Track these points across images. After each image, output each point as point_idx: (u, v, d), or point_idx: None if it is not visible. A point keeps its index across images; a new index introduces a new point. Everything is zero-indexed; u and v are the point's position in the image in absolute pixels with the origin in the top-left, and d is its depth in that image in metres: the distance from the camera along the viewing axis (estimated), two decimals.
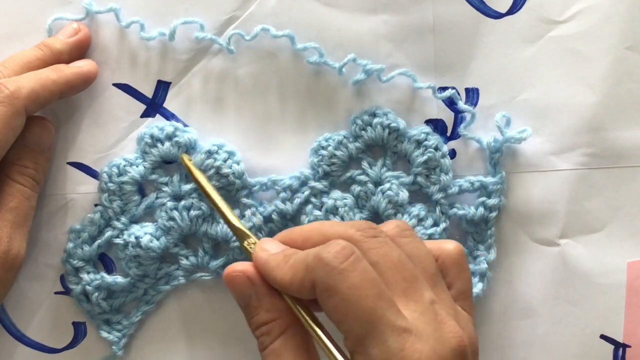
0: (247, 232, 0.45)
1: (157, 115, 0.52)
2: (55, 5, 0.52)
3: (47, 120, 0.50)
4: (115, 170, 0.51)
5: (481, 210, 0.50)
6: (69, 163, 0.52)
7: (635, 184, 0.51)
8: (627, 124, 0.51)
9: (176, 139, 0.51)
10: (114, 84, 0.52)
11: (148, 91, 0.52)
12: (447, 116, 0.52)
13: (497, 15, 0.52)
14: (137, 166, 0.51)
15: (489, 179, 0.51)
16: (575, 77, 0.51)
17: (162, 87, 0.52)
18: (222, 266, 0.51)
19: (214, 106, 0.52)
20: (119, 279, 0.51)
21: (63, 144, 0.52)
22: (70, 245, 0.51)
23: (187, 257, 0.51)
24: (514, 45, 0.52)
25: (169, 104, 0.52)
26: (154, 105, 0.52)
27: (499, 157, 0.50)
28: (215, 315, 0.52)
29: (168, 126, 0.51)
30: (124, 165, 0.51)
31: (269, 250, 0.41)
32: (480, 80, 0.52)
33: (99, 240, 0.51)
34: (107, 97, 0.52)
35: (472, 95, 0.52)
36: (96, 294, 0.51)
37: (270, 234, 0.51)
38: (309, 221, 0.50)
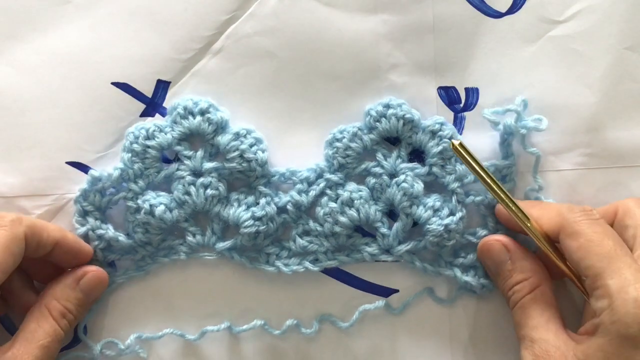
0: (526, 215, 0.47)
1: (157, 114, 0.52)
2: (55, 5, 0.52)
3: (104, 273, 0.50)
4: (143, 132, 0.50)
5: None
6: (68, 163, 0.52)
7: (635, 184, 0.51)
8: (626, 124, 0.51)
9: (208, 115, 0.50)
10: (112, 83, 0.52)
11: (147, 90, 0.52)
12: (447, 116, 0.52)
13: (497, 15, 0.52)
14: (165, 133, 0.51)
15: (502, 162, 0.51)
16: (574, 77, 0.51)
17: (162, 86, 0.52)
18: (228, 249, 0.51)
19: None
20: (122, 237, 0.51)
21: (62, 143, 0.52)
22: (86, 186, 0.51)
23: (194, 235, 0.51)
24: (514, 45, 0.52)
25: (169, 103, 0.52)
26: (153, 105, 0.52)
27: (512, 139, 0.50)
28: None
29: (203, 102, 0.51)
30: (153, 130, 0.50)
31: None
32: (480, 79, 0.52)
33: (112, 197, 0.51)
34: (106, 96, 0.52)
35: (472, 94, 0.52)
36: (97, 242, 0.51)
37: (284, 225, 0.51)
38: (324, 213, 0.50)
